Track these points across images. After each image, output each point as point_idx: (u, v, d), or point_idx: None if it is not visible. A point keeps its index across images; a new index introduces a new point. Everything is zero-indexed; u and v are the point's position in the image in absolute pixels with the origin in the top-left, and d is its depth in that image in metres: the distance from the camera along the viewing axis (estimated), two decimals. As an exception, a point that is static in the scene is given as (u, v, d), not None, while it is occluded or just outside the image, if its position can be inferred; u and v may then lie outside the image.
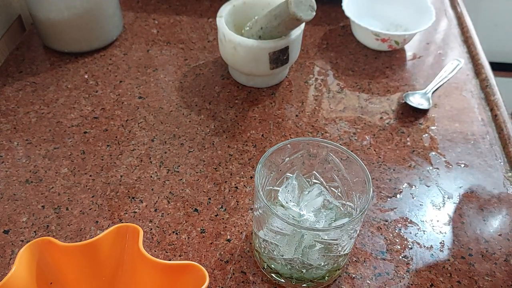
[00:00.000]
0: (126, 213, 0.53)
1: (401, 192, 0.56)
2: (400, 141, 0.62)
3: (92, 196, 0.54)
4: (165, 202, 0.54)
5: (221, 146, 0.60)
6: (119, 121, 0.63)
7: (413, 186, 0.57)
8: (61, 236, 0.51)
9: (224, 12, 0.65)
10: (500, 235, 0.52)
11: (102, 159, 0.58)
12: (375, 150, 0.60)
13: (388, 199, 0.55)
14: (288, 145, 0.46)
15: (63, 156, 0.58)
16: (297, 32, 0.63)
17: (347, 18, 0.74)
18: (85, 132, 0.61)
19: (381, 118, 0.64)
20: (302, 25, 0.63)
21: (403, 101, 0.66)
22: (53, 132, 0.61)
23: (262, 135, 0.62)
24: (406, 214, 0.54)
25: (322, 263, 0.44)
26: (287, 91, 0.68)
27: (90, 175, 0.56)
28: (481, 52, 0.74)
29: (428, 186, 0.57)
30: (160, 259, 0.40)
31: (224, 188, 0.56)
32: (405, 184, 0.57)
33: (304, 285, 0.46)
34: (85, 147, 0.59)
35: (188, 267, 0.39)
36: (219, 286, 0.47)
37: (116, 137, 0.61)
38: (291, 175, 0.48)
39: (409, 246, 0.51)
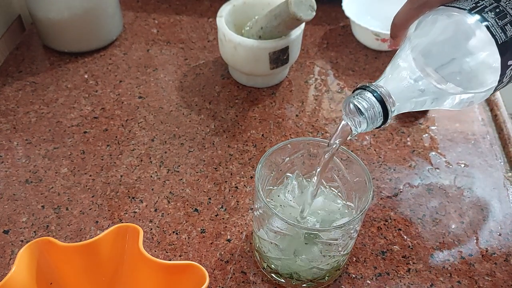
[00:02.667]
0: (126, 213, 0.53)
1: (401, 192, 0.56)
2: (400, 141, 0.62)
3: (92, 196, 0.54)
4: (165, 202, 0.54)
5: (221, 146, 0.60)
6: (119, 121, 0.63)
7: (413, 186, 0.57)
8: (61, 236, 0.51)
9: (224, 12, 0.65)
10: (500, 235, 0.52)
11: (102, 159, 0.58)
12: (375, 150, 0.60)
13: (388, 199, 0.55)
14: (288, 145, 0.46)
15: (63, 156, 0.58)
16: (297, 32, 0.63)
17: (347, 18, 0.73)
18: (85, 132, 0.61)
19: (381, 118, 0.64)
20: (302, 25, 0.63)
21: (403, 101, 0.66)
22: (53, 132, 0.61)
23: (262, 135, 0.62)
24: (406, 214, 0.54)
25: (322, 263, 0.44)
26: (287, 91, 0.68)
27: (90, 175, 0.56)
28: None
29: (429, 186, 0.57)
30: (160, 259, 0.40)
31: (224, 188, 0.56)
32: (405, 184, 0.57)
33: (304, 285, 0.46)
34: (85, 147, 0.59)
35: (188, 267, 0.39)
36: (219, 286, 0.47)
37: (116, 137, 0.61)
38: (291, 175, 0.48)
39: (409, 246, 0.51)
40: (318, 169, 0.43)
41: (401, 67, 0.38)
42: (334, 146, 0.41)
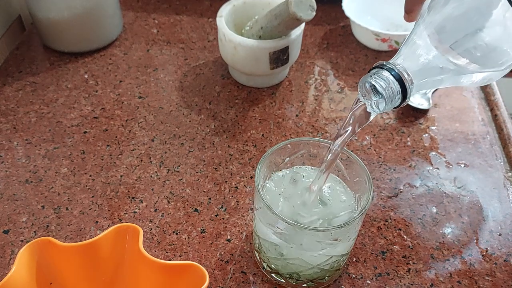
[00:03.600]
0: (126, 213, 0.53)
1: (401, 192, 0.56)
2: (400, 141, 0.62)
3: (92, 196, 0.54)
4: (165, 202, 0.54)
5: (221, 146, 0.60)
6: (119, 121, 0.63)
7: (414, 186, 0.57)
8: (61, 236, 0.51)
9: (224, 12, 0.65)
10: (500, 235, 0.52)
11: (102, 159, 0.58)
12: (375, 150, 0.60)
13: (388, 199, 0.55)
14: (288, 145, 0.46)
15: (63, 156, 0.58)
16: (297, 32, 0.63)
17: (347, 18, 0.73)
18: (85, 132, 0.61)
19: (381, 118, 0.64)
20: (302, 25, 0.63)
21: (403, 101, 0.66)
22: (53, 132, 0.61)
23: (263, 135, 0.62)
24: (406, 214, 0.54)
25: (322, 263, 0.44)
26: (287, 91, 0.68)
27: (90, 175, 0.56)
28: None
29: (428, 186, 0.57)
30: (160, 259, 0.40)
31: (224, 188, 0.56)
32: (406, 184, 0.57)
33: (304, 285, 0.46)
34: (85, 147, 0.59)
35: (188, 267, 0.39)
36: (219, 286, 0.47)
37: (116, 137, 0.61)
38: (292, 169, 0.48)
39: (409, 246, 0.51)
40: (327, 159, 0.42)
41: (417, 44, 0.37)
42: (348, 132, 0.40)
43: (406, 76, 0.36)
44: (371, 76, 0.37)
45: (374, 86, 0.36)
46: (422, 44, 0.37)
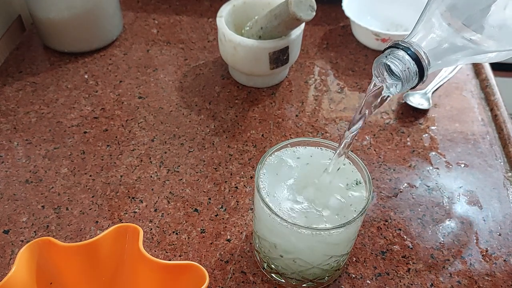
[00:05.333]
0: (126, 213, 0.53)
1: (401, 192, 0.56)
2: (400, 141, 0.62)
3: (92, 196, 0.54)
4: (165, 202, 0.54)
5: (221, 146, 0.60)
6: (119, 121, 0.63)
7: (413, 186, 0.57)
8: (61, 236, 0.51)
9: (224, 12, 0.65)
10: (500, 235, 0.52)
11: (102, 159, 0.58)
12: (375, 150, 0.60)
13: (388, 199, 0.55)
14: (288, 145, 0.46)
15: (63, 156, 0.58)
16: (297, 32, 0.63)
17: (347, 18, 0.74)
18: (85, 132, 0.61)
19: (381, 118, 0.64)
20: (302, 25, 0.63)
21: (403, 101, 0.66)
22: (53, 132, 0.61)
23: (262, 135, 0.62)
24: (406, 214, 0.54)
25: (322, 263, 0.44)
26: (287, 91, 0.68)
27: (90, 175, 0.56)
28: (481, 52, 0.74)
29: (428, 186, 0.57)
30: (160, 259, 0.40)
31: (224, 188, 0.56)
32: (405, 184, 0.57)
33: (304, 285, 0.46)
34: (85, 147, 0.59)
35: (188, 267, 0.39)
36: (219, 286, 0.47)
37: (116, 137, 0.61)
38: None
39: (409, 246, 0.51)
40: (344, 142, 0.41)
41: (431, 22, 0.36)
42: (364, 116, 0.39)
43: (422, 54, 0.35)
44: (386, 57, 0.35)
45: (389, 66, 0.35)
46: (435, 23, 0.35)
